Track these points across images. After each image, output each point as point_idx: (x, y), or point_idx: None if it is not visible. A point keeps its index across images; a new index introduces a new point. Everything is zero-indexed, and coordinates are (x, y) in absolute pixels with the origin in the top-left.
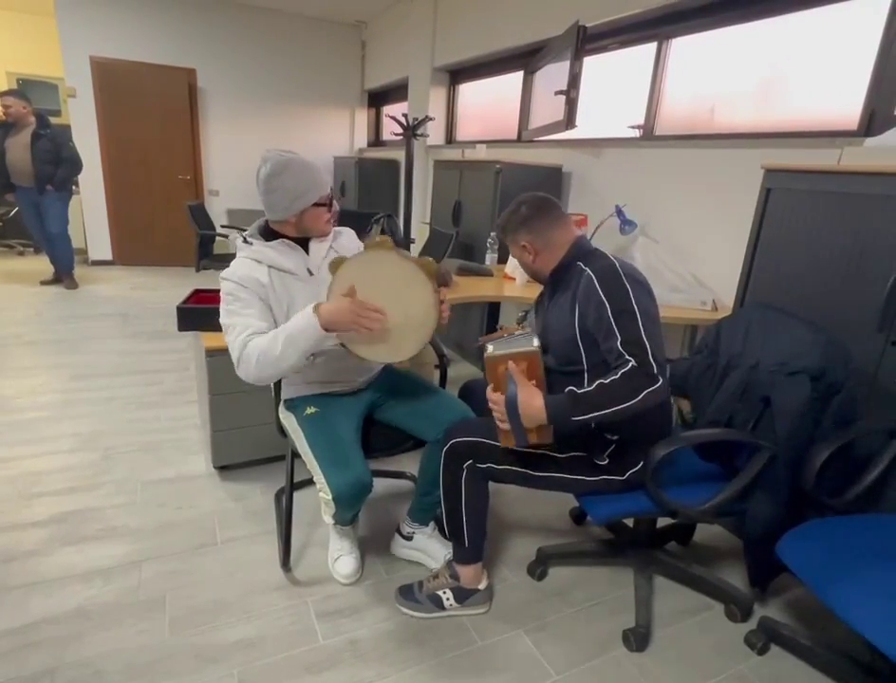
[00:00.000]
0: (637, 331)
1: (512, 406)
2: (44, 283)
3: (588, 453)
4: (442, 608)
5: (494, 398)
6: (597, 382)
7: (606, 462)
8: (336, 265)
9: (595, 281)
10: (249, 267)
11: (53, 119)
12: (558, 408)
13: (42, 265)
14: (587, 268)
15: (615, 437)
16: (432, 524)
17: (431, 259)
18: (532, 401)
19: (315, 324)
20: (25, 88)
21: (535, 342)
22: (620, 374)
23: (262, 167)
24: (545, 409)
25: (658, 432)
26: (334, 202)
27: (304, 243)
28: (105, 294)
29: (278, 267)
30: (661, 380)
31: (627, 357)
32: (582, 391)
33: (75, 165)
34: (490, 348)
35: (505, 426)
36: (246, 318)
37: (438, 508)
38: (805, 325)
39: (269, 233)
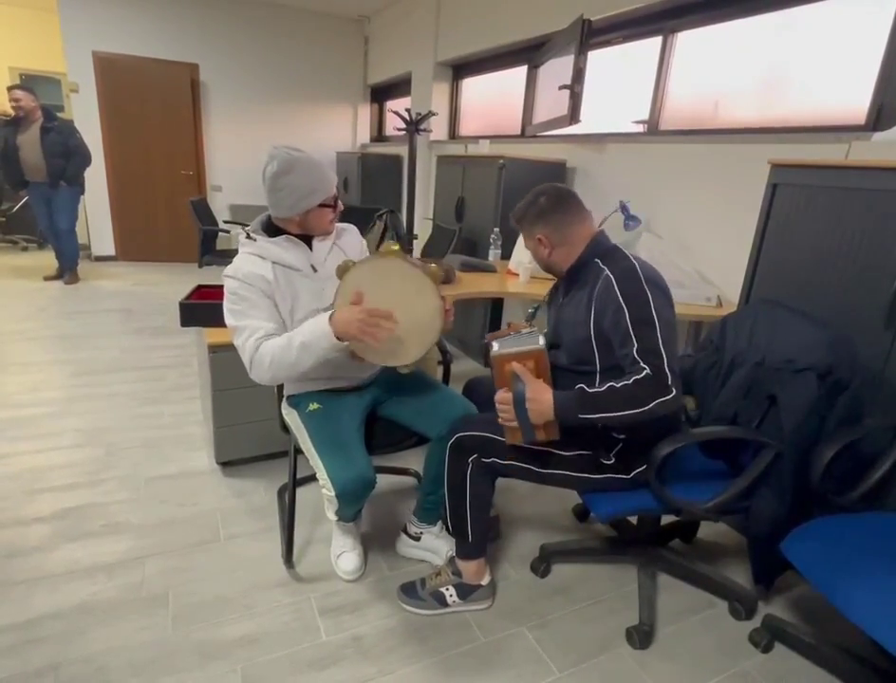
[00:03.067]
0: (655, 340)
1: (520, 403)
2: (47, 278)
3: (594, 452)
4: (445, 605)
5: (502, 398)
6: (608, 384)
7: (612, 461)
8: (344, 269)
9: (615, 284)
10: (253, 264)
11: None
12: (567, 403)
13: (45, 260)
14: (605, 268)
15: (622, 437)
16: (439, 523)
17: (436, 266)
18: (542, 396)
19: (330, 335)
20: (27, 84)
21: (541, 341)
22: (633, 380)
23: (269, 165)
24: (552, 402)
25: (666, 433)
26: (339, 202)
27: (307, 239)
28: (108, 290)
29: (282, 264)
30: (674, 392)
31: (643, 365)
32: (592, 390)
33: (84, 156)
34: (496, 347)
35: (512, 424)
36: (255, 320)
37: (444, 507)
38: (811, 322)
39: (272, 229)
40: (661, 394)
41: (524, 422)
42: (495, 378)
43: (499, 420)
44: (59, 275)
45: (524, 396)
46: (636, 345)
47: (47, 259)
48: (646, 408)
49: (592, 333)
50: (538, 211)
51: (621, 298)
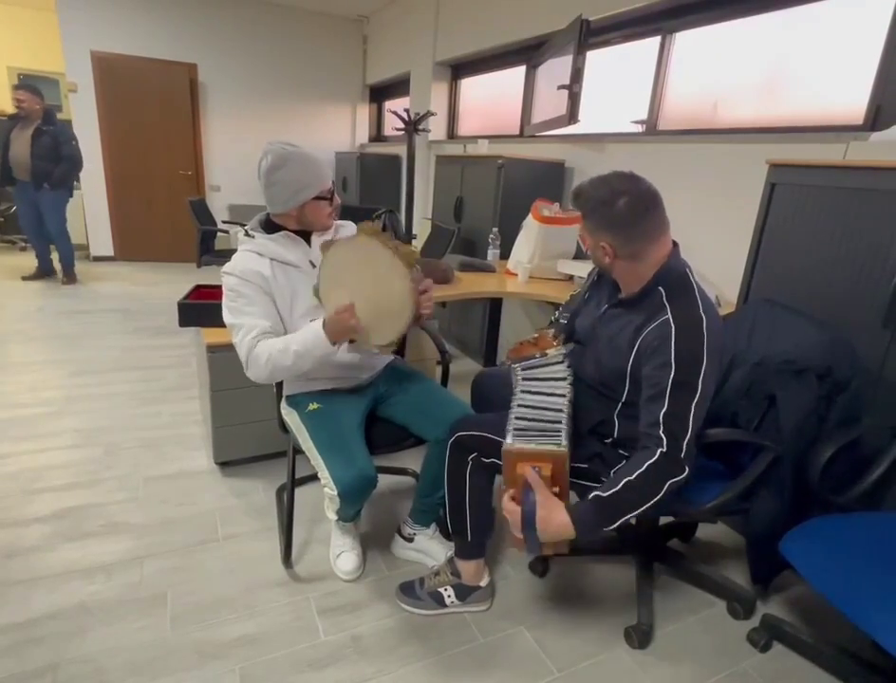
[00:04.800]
0: (687, 410)
1: (529, 520)
2: (25, 278)
3: (595, 468)
4: (444, 605)
5: (510, 509)
6: (624, 481)
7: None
8: (326, 246)
9: (673, 337)
10: (251, 261)
11: None
12: (586, 519)
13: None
14: (667, 306)
15: (627, 455)
16: (433, 525)
17: (413, 249)
18: (554, 517)
19: (326, 344)
20: (26, 83)
21: (564, 441)
22: (646, 466)
23: (263, 160)
24: (571, 526)
25: None
26: (335, 195)
27: (306, 235)
28: (107, 290)
29: (281, 260)
30: (686, 471)
31: (661, 434)
32: (607, 494)
33: (74, 164)
34: (509, 440)
35: (518, 534)
36: (252, 317)
37: (440, 510)
38: (810, 322)
39: (270, 226)
40: (674, 474)
41: (531, 539)
42: (505, 473)
43: (508, 526)
44: (38, 275)
45: (534, 515)
46: (665, 408)
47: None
48: (661, 493)
49: (629, 370)
50: (613, 217)
51: (673, 356)
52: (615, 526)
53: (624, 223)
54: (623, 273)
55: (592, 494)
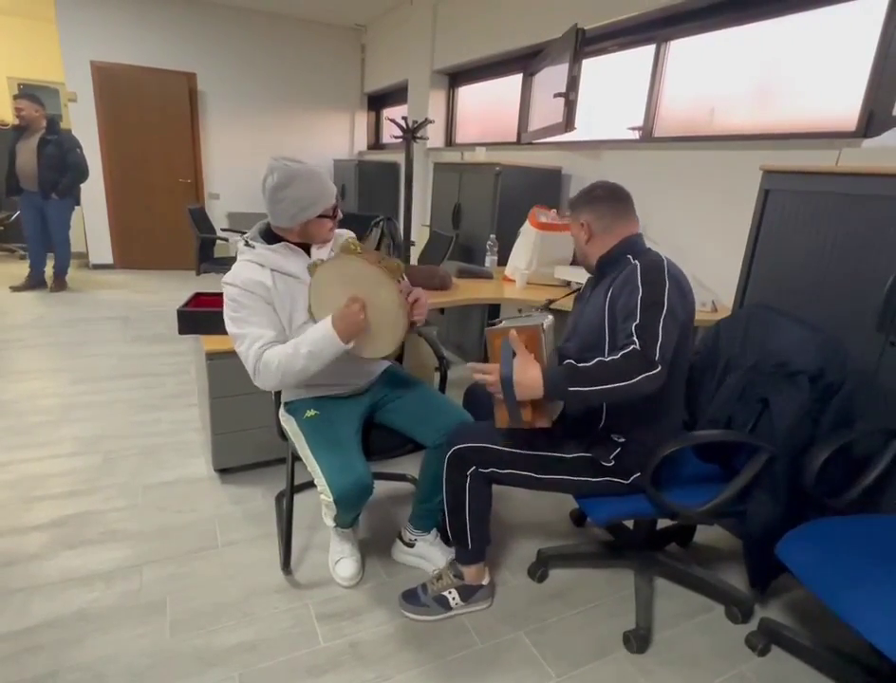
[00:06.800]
0: (657, 322)
1: (507, 377)
2: (15, 288)
3: (593, 455)
4: (449, 608)
5: (489, 369)
6: (598, 359)
7: (611, 464)
8: (313, 268)
9: (638, 269)
10: (252, 271)
11: None
12: (555, 377)
13: (46, 269)
14: (635, 261)
15: (622, 440)
16: (434, 530)
17: (398, 261)
18: (528, 370)
19: (337, 341)
20: (27, 93)
21: (545, 321)
22: (620, 355)
23: (269, 177)
24: (541, 378)
25: (665, 437)
26: (338, 211)
27: (306, 246)
28: (106, 298)
29: (281, 271)
30: (659, 367)
31: (634, 339)
32: (581, 365)
33: (81, 173)
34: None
35: (500, 396)
36: (257, 327)
37: (440, 515)
38: (803, 326)
39: (270, 236)
40: (647, 369)
41: (510, 400)
42: (489, 354)
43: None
44: (28, 286)
45: (511, 370)
46: (637, 321)
47: (47, 268)
48: (632, 381)
49: (606, 315)
50: (591, 197)
51: (640, 280)
52: (583, 391)
53: (599, 201)
54: (597, 249)
55: (567, 361)
